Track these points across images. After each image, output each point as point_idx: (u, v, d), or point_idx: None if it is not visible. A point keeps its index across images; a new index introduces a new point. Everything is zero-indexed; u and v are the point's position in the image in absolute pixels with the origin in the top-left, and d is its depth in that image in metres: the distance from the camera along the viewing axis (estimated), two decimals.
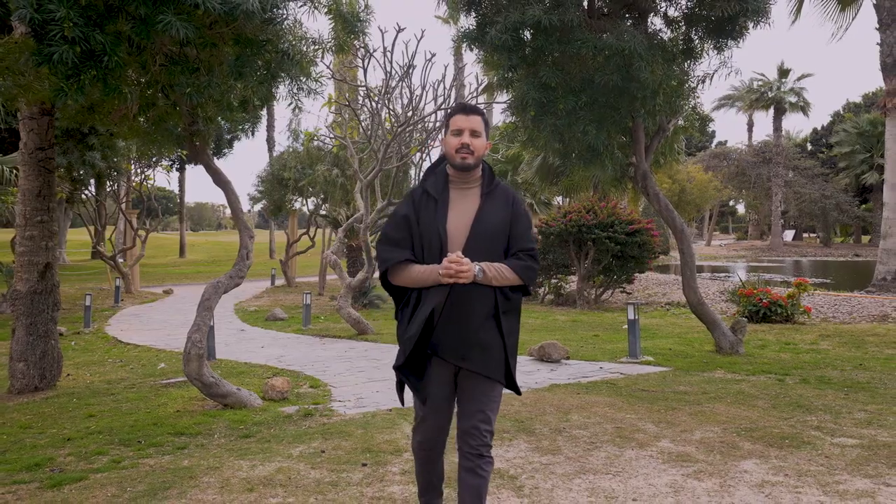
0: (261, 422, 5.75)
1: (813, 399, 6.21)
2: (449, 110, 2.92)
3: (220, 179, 6.93)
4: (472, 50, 7.83)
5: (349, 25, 6.66)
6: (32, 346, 7.14)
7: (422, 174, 2.70)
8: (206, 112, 6.03)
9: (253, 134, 7.59)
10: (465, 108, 2.94)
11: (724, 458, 4.58)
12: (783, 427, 5.30)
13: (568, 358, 8.39)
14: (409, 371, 2.88)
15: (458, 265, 2.71)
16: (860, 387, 6.72)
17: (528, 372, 7.66)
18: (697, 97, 8.69)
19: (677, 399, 6.28)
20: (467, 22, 7.79)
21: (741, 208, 78.44)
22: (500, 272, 2.80)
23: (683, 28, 8.12)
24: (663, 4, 8.15)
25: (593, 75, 7.43)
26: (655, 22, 8.31)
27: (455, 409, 2.98)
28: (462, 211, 2.87)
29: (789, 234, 62.60)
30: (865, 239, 55.27)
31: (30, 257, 7.10)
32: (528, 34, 7.28)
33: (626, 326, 9.27)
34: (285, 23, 5.59)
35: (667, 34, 8.25)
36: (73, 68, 4.47)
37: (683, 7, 8.02)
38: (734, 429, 5.27)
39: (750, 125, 62.19)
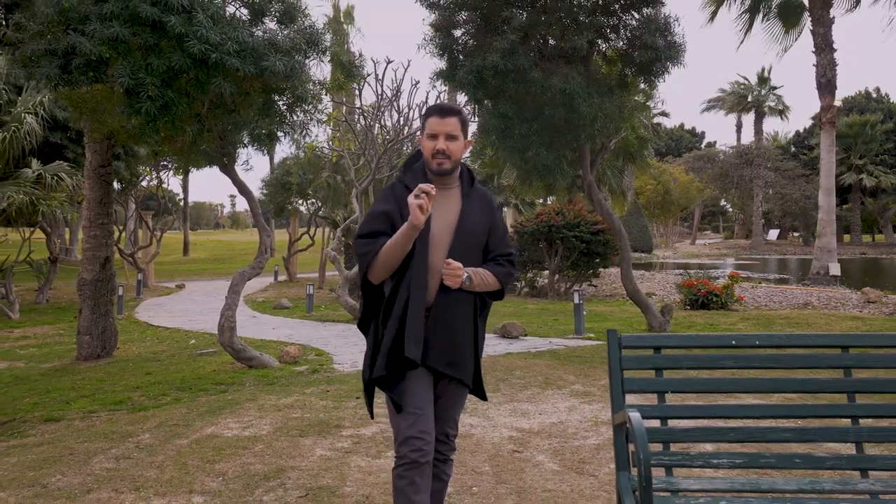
0: (280, 376, 7.61)
1: None
2: (426, 110, 2.84)
3: (244, 189, 8.79)
4: (445, 86, 9.69)
5: (347, 71, 8.54)
6: (95, 323, 8.99)
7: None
8: (237, 140, 7.89)
9: (268, 153, 9.45)
10: (442, 110, 2.74)
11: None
12: None
13: (525, 335, 10.26)
14: (387, 382, 2.68)
15: (455, 267, 2.64)
16: None
17: (489, 345, 9.51)
18: (635, 120, 10.55)
19: (601, 361, 8.14)
20: (441, 63, 9.65)
21: (730, 208, 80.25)
22: (483, 279, 2.73)
23: (619, 66, 9.98)
24: (603, 46, 10.01)
25: (543, 108, 9.29)
26: (597, 60, 10.16)
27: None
28: (445, 212, 2.75)
29: (774, 234, 64.40)
30: (847, 238, 56.64)
31: (93, 252, 8.95)
32: (489, 75, 9.10)
33: (585, 312, 11.15)
34: (300, 75, 7.43)
35: (606, 69, 10.12)
36: (152, 116, 6.33)
37: (619, 49, 9.89)
38: None
39: (738, 127, 63.24)
